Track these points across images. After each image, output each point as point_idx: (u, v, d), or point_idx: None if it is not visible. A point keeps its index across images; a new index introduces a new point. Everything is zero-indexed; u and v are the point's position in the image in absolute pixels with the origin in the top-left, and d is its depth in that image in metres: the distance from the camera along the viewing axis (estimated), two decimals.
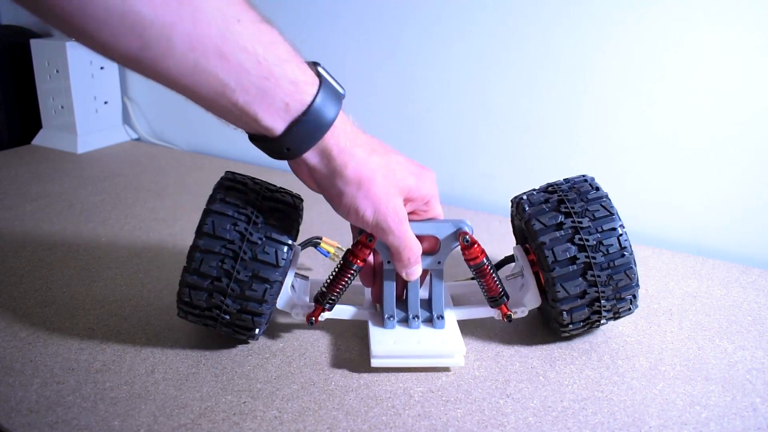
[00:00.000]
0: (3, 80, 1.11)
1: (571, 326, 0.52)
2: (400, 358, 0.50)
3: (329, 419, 0.45)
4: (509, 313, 0.52)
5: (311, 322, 0.51)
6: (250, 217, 0.48)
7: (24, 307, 0.58)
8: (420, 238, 0.50)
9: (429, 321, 0.53)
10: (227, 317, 0.49)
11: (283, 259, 0.47)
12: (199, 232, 0.47)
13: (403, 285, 0.53)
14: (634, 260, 0.50)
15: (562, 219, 0.50)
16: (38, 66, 1.10)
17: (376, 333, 0.51)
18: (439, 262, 0.52)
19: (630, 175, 0.79)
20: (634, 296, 0.51)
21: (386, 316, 0.52)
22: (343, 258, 0.50)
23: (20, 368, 0.49)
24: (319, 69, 0.43)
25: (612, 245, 0.49)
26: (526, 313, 0.53)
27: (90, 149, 1.11)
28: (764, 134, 0.70)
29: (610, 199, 0.51)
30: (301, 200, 0.54)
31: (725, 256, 0.74)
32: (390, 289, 0.52)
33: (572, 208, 0.50)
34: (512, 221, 0.59)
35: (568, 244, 0.49)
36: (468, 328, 0.56)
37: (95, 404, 0.46)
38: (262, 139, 0.43)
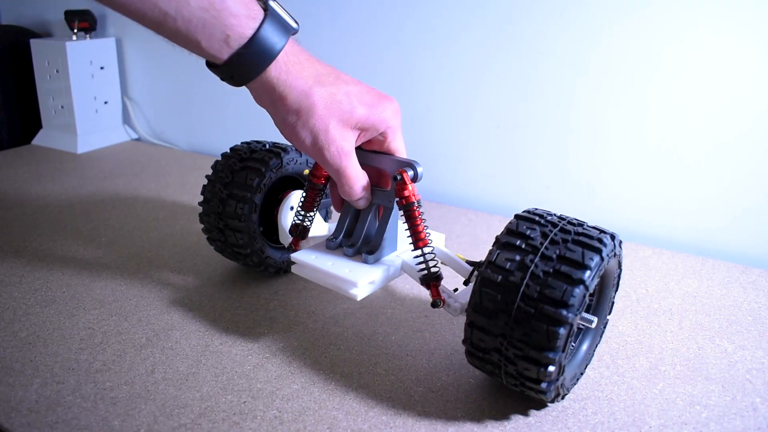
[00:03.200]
0: (3, 80, 1.11)
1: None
2: (311, 271, 0.52)
3: (329, 419, 0.45)
4: (437, 299, 0.49)
5: (290, 249, 0.57)
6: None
7: (24, 307, 0.59)
8: (369, 169, 0.50)
9: (369, 253, 0.52)
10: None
11: (240, 208, 0.57)
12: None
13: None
14: None
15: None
16: (38, 66, 1.10)
17: (313, 246, 0.55)
18: (390, 200, 0.51)
19: (630, 176, 0.79)
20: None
21: (330, 236, 0.54)
22: (308, 176, 0.54)
23: (20, 368, 0.49)
24: (270, 3, 0.44)
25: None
26: (457, 313, 0.49)
27: (90, 149, 1.11)
28: (764, 135, 0.70)
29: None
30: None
31: (725, 256, 0.74)
32: (345, 214, 0.54)
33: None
34: None
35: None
36: None
37: (95, 404, 0.46)
38: (211, 65, 0.44)
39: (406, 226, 0.49)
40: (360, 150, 0.50)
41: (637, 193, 0.79)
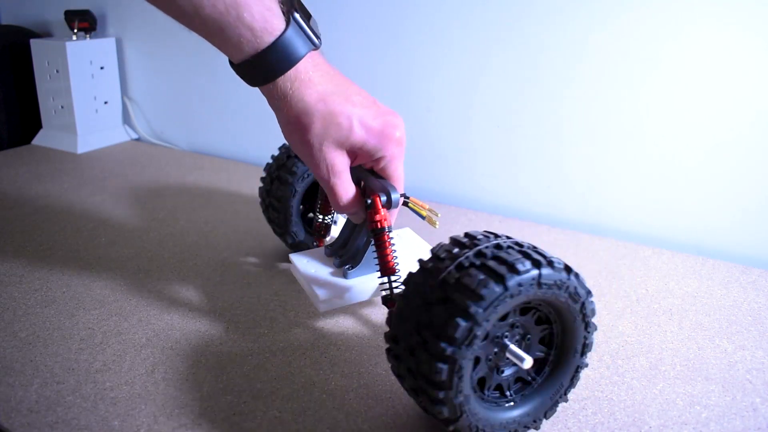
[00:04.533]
0: (3, 80, 1.11)
1: None
2: (296, 272, 0.57)
3: (329, 419, 0.45)
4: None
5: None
6: None
7: (24, 307, 0.59)
8: (364, 187, 0.51)
9: (346, 268, 0.55)
10: None
11: (278, 219, 0.65)
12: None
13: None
14: None
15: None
16: (38, 66, 1.10)
17: (315, 251, 0.59)
18: None
19: (630, 175, 0.79)
20: None
21: (330, 242, 0.58)
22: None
23: (20, 368, 0.49)
24: (296, 15, 0.45)
25: None
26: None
27: (90, 149, 1.11)
28: (764, 135, 0.70)
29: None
30: None
31: (725, 256, 0.74)
32: (346, 223, 0.57)
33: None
34: None
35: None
36: None
37: (95, 404, 0.46)
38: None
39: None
40: (358, 167, 0.51)
41: (637, 193, 0.79)
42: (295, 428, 0.44)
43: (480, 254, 0.39)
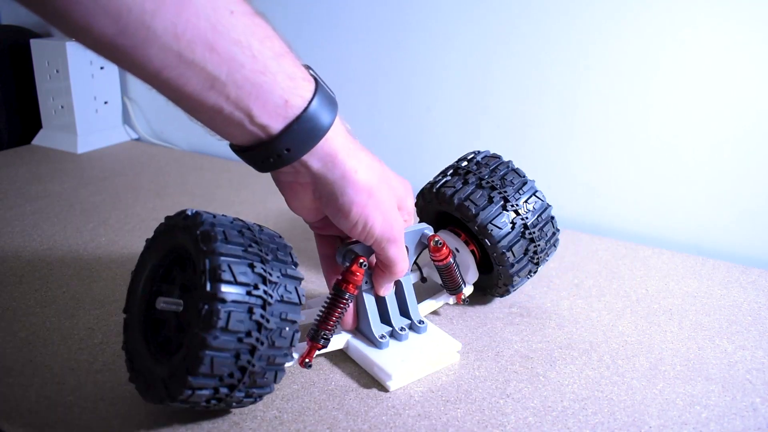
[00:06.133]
0: (3, 80, 1.11)
1: (517, 283, 0.57)
2: (414, 372, 0.49)
3: (329, 419, 0.45)
4: (464, 297, 0.57)
5: (308, 366, 0.46)
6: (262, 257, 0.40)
7: (24, 307, 0.58)
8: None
9: (411, 329, 0.53)
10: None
11: (303, 295, 0.42)
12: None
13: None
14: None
15: (490, 193, 0.55)
16: (38, 66, 1.10)
17: (379, 357, 0.49)
18: (411, 269, 0.54)
19: (631, 176, 0.79)
20: (557, 239, 0.58)
21: (378, 336, 0.50)
22: (335, 288, 0.47)
23: (20, 368, 0.49)
24: (311, 71, 0.41)
25: (536, 202, 0.56)
26: (471, 290, 0.58)
27: (90, 149, 1.11)
28: (764, 135, 0.70)
29: (514, 165, 0.58)
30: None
31: (725, 256, 0.74)
32: (374, 308, 0.51)
33: (492, 182, 0.55)
34: (424, 208, 0.61)
35: (504, 214, 0.54)
36: (468, 328, 0.56)
37: (95, 404, 0.46)
38: (250, 146, 0.39)
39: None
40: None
41: (637, 193, 0.79)
42: (295, 428, 0.44)
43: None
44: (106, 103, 1.15)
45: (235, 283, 0.38)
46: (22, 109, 1.15)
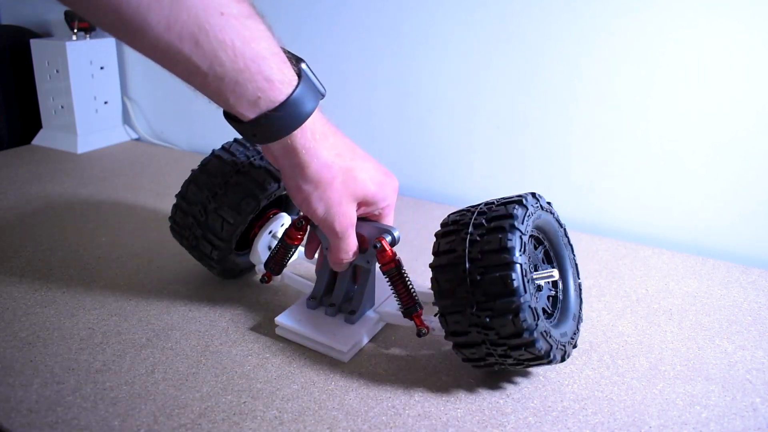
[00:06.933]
0: (3, 80, 1.11)
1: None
2: (296, 335, 0.54)
3: (329, 419, 0.45)
4: (422, 327, 0.50)
5: (263, 281, 0.57)
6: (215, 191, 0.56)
7: (24, 307, 0.58)
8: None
9: (341, 311, 0.55)
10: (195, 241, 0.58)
11: (226, 229, 0.56)
12: (180, 194, 0.60)
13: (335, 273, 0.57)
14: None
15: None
16: (38, 66, 1.10)
17: (294, 307, 0.56)
18: (368, 262, 0.54)
19: (630, 176, 0.79)
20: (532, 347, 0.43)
21: (309, 296, 0.56)
22: (283, 235, 0.55)
23: (20, 368, 0.49)
24: (303, 66, 0.44)
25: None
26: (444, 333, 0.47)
27: (90, 149, 1.11)
28: (764, 135, 0.70)
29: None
30: (278, 180, 0.58)
31: (725, 256, 0.74)
32: (323, 274, 0.56)
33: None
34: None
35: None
36: None
37: (95, 404, 0.46)
38: (233, 118, 0.44)
39: (392, 287, 0.52)
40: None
41: (637, 193, 0.79)
42: (295, 428, 0.44)
43: (487, 205, 0.48)
44: (106, 103, 1.15)
45: None
46: (22, 109, 1.15)
